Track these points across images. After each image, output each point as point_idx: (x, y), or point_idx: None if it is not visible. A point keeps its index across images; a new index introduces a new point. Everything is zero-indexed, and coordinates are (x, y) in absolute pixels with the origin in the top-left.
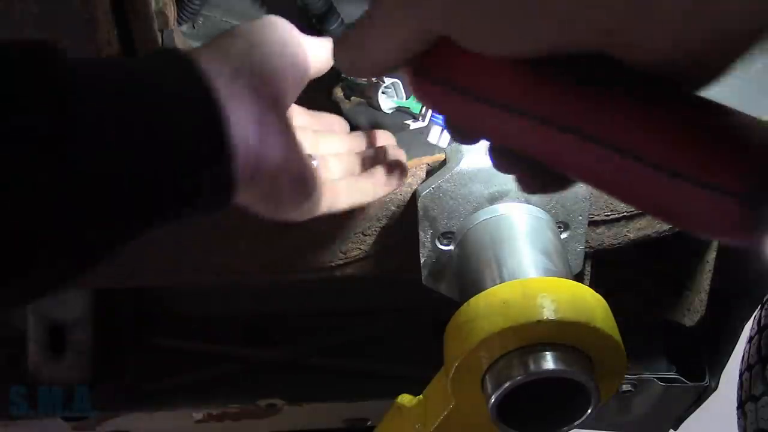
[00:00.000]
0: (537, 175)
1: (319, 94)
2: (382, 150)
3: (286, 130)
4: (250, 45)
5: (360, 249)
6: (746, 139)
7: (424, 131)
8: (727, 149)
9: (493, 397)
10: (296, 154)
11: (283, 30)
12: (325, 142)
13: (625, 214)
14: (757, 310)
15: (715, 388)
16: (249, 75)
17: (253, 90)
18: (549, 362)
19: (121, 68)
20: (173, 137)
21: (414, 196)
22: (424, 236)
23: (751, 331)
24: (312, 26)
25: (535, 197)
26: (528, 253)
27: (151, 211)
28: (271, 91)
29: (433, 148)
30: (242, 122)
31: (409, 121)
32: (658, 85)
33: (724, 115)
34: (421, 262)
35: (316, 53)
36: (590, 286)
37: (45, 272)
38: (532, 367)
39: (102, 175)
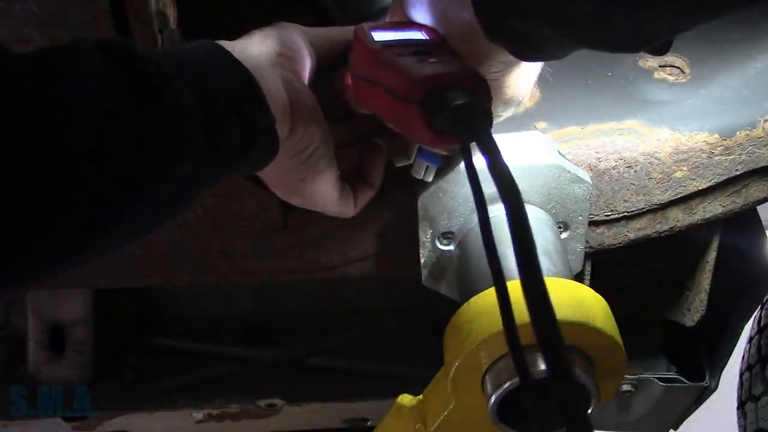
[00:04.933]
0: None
1: None
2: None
3: (311, 97)
4: (265, 41)
5: (360, 249)
6: (428, 73)
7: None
8: (415, 79)
9: (493, 397)
10: (320, 122)
11: (286, 28)
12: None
13: (625, 214)
14: (757, 310)
15: (715, 388)
16: (269, 60)
17: (277, 66)
18: None
19: (179, 52)
20: (224, 94)
21: (414, 195)
22: (424, 236)
23: (751, 331)
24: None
25: (535, 197)
26: None
27: (218, 147)
28: (287, 68)
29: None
30: (271, 82)
31: (394, 159)
32: (432, 54)
33: (436, 64)
34: (421, 262)
35: (319, 44)
36: (590, 286)
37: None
38: (532, 367)
39: (179, 114)
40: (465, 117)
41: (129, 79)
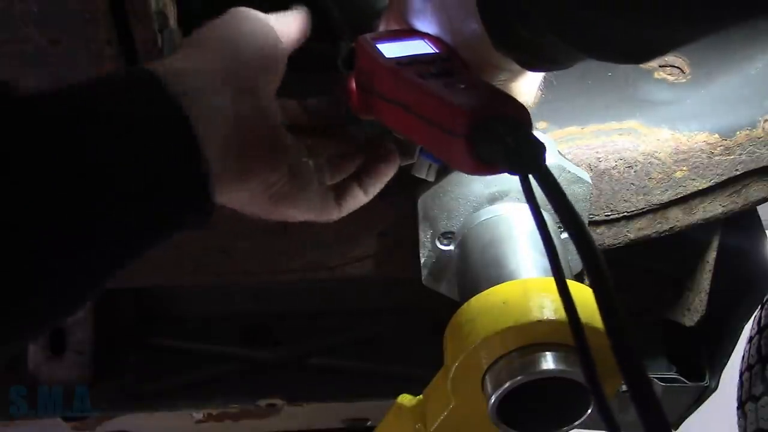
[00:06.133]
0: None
1: None
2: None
3: (270, 120)
4: (220, 43)
5: (360, 249)
6: (469, 104)
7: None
8: (457, 111)
9: (493, 397)
10: (284, 150)
11: (248, 20)
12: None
13: (625, 214)
14: (757, 310)
15: (715, 388)
16: (223, 74)
17: (228, 89)
18: (549, 362)
19: (92, 90)
20: (146, 148)
21: (414, 195)
22: (424, 236)
23: (751, 331)
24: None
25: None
26: (528, 253)
27: (138, 213)
28: (246, 83)
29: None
30: (214, 113)
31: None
32: (453, 75)
33: (469, 91)
34: (421, 262)
35: (286, 31)
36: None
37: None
38: (532, 367)
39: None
40: (520, 150)
41: (23, 137)
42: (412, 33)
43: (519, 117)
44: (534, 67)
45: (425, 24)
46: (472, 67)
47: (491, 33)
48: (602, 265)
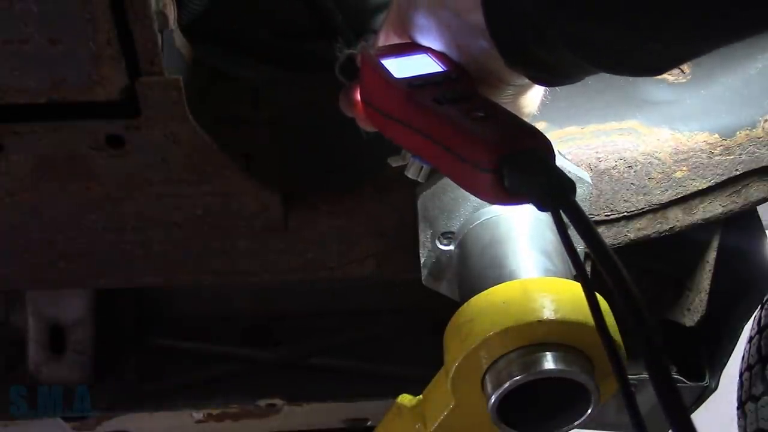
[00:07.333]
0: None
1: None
2: None
3: None
4: None
5: (360, 249)
6: (495, 138)
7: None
8: (484, 146)
9: (493, 397)
10: None
11: None
12: None
13: (625, 214)
14: (757, 310)
15: (715, 388)
16: None
17: None
18: (549, 362)
19: None
20: None
21: (414, 196)
22: (424, 236)
23: (751, 331)
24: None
25: None
26: (528, 253)
27: None
28: None
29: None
30: None
31: (390, 160)
32: (469, 99)
33: (490, 122)
34: (421, 262)
35: None
36: None
37: None
38: (532, 367)
39: None
40: (550, 186)
41: None
42: (415, 47)
43: (544, 150)
44: (545, 82)
45: (429, 40)
46: (481, 82)
47: (503, 51)
48: (639, 302)
